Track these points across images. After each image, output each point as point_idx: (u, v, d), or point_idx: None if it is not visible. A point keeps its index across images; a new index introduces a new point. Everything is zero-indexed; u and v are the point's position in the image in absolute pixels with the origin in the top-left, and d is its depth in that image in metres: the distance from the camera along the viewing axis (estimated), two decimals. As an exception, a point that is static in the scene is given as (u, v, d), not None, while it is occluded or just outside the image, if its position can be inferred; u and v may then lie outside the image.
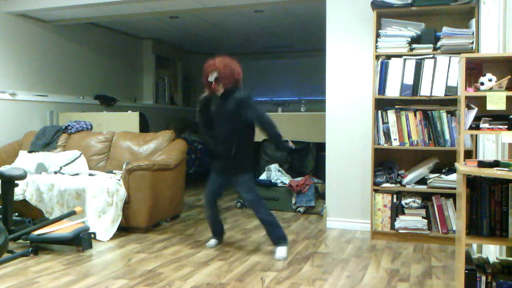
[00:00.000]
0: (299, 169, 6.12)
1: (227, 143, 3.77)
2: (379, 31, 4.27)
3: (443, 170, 4.17)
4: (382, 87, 4.23)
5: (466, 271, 2.48)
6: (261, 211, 3.78)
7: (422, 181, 4.19)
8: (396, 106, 4.22)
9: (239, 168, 3.80)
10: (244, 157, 3.81)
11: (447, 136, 4.08)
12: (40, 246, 3.87)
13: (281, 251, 3.72)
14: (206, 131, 4.02)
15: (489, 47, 3.49)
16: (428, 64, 4.12)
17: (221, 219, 4.14)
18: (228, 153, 3.76)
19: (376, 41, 4.25)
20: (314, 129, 6.10)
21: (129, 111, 6.29)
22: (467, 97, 2.62)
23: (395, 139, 4.22)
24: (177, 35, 7.95)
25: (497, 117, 2.58)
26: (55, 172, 4.93)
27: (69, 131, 5.55)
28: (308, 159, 6.19)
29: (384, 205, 4.28)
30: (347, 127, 4.66)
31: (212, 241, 4.07)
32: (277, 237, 3.77)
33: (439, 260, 3.67)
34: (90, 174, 4.89)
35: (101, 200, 4.34)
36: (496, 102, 2.51)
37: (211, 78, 3.74)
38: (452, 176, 4.04)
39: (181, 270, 3.40)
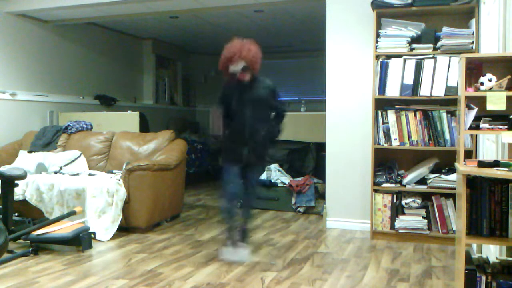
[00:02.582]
0: (299, 169, 6.12)
1: (254, 128, 3.68)
2: (379, 31, 4.27)
3: (443, 170, 4.17)
4: (382, 87, 4.23)
5: (466, 271, 2.48)
6: (253, 203, 3.95)
7: (422, 181, 4.19)
8: (396, 106, 4.22)
9: (260, 156, 3.78)
10: (266, 145, 3.81)
11: (447, 136, 4.08)
12: (40, 246, 3.87)
13: (245, 252, 3.68)
14: (222, 126, 3.77)
15: (489, 47, 3.49)
16: (428, 64, 4.12)
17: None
18: (255, 137, 3.67)
19: (376, 41, 4.25)
20: (314, 129, 6.11)
21: (129, 111, 6.29)
22: (467, 97, 2.62)
23: (395, 139, 4.22)
24: (177, 35, 7.95)
25: (497, 117, 2.58)
26: (55, 172, 4.93)
27: (69, 131, 5.55)
28: (308, 159, 6.19)
29: (384, 205, 4.28)
30: (347, 127, 4.66)
31: (246, 251, 3.71)
32: (247, 236, 3.86)
33: (439, 260, 3.67)
34: (90, 174, 4.89)
35: (101, 200, 4.34)
36: (496, 102, 2.51)
37: (237, 68, 3.64)
38: (452, 176, 4.04)
39: (181, 270, 3.40)
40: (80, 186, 4.39)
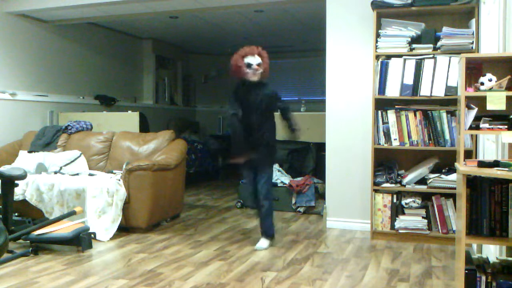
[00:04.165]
0: (299, 169, 6.12)
1: (261, 131, 3.94)
2: (379, 31, 4.27)
3: (443, 170, 4.17)
4: (382, 87, 4.23)
5: (466, 271, 2.49)
6: (270, 202, 4.06)
7: (422, 181, 4.19)
8: (396, 106, 4.22)
9: (270, 157, 4.05)
10: (274, 146, 4.07)
11: (447, 136, 4.08)
12: (40, 246, 3.86)
13: (264, 242, 3.98)
14: (235, 116, 3.97)
15: (489, 47, 3.49)
16: (428, 64, 4.12)
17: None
18: (262, 140, 3.93)
19: (376, 41, 4.25)
20: (314, 129, 6.10)
21: (129, 111, 6.29)
22: (467, 97, 2.62)
23: (395, 139, 4.22)
24: (177, 35, 7.95)
25: (497, 117, 2.58)
26: (55, 172, 4.93)
27: (69, 131, 5.55)
28: (308, 159, 6.19)
29: (384, 205, 4.28)
30: (347, 127, 4.66)
31: (265, 241, 3.99)
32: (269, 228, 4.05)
33: (439, 260, 3.67)
34: (90, 174, 4.89)
35: (101, 200, 4.34)
36: (496, 102, 2.51)
37: (254, 60, 3.87)
38: (452, 176, 4.04)
39: (181, 270, 3.40)
40: (80, 186, 4.39)
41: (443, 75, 4.07)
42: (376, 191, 4.30)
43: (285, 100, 4.14)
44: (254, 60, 3.88)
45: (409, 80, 4.15)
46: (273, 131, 4.06)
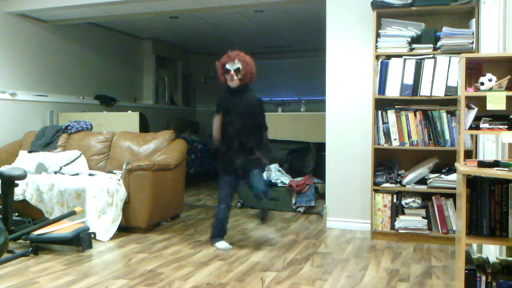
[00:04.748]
0: (299, 169, 6.12)
1: (242, 137, 3.89)
2: (379, 31, 4.27)
3: (443, 170, 4.17)
4: (382, 87, 4.23)
5: (466, 271, 2.49)
6: (266, 201, 4.20)
7: (422, 181, 4.19)
8: (396, 106, 4.22)
9: (253, 162, 3.96)
10: (260, 148, 4.01)
11: (447, 136, 4.08)
12: (40, 246, 3.86)
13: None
14: (219, 131, 4.00)
15: (489, 47, 3.49)
16: (428, 64, 4.12)
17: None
18: (245, 149, 3.89)
19: (376, 41, 4.25)
20: (314, 129, 6.10)
21: (129, 111, 6.29)
22: (467, 97, 2.62)
23: (395, 139, 4.22)
24: (177, 35, 7.95)
25: (497, 117, 2.58)
26: (55, 172, 4.93)
27: (69, 131, 5.55)
28: (308, 159, 6.19)
29: (384, 205, 4.28)
30: (347, 127, 4.66)
31: (224, 243, 3.97)
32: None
33: (439, 260, 3.67)
34: (90, 174, 4.89)
35: (101, 200, 4.34)
36: (496, 102, 2.51)
37: (232, 66, 3.84)
38: (452, 176, 4.04)
39: (181, 270, 3.40)
40: (80, 186, 4.39)
41: (443, 75, 4.07)
42: (376, 191, 4.30)
43: (264, 117, 4.01)
44: (232, 66, 3.85)
45: (409, 80, 4.15)
46: (259, 136, 3.97)
